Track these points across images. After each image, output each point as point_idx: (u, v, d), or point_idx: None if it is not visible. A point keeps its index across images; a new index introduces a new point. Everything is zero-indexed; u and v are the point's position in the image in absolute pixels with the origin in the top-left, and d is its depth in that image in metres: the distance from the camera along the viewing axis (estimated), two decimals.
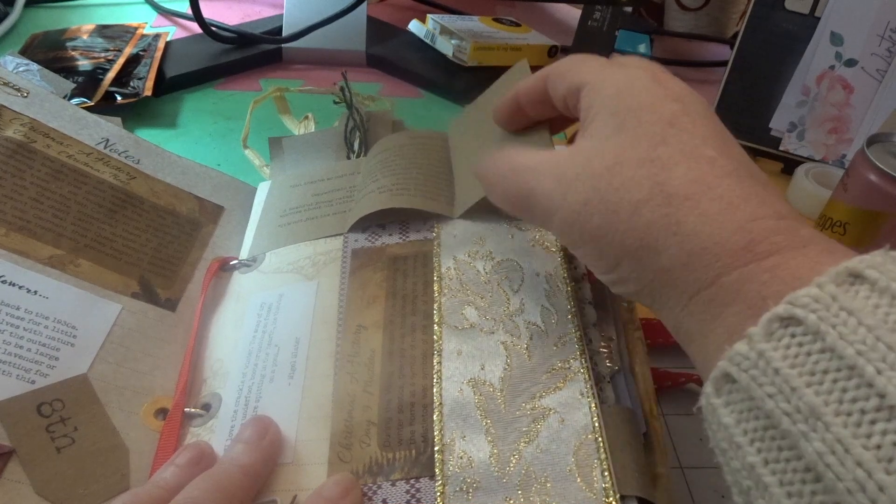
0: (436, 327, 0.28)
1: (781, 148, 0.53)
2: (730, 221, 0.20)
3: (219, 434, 0.28)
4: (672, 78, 0.26)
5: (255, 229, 0.37)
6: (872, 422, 0.15)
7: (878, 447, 0.15)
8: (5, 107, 0.34)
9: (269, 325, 0.31)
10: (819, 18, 0.49)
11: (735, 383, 0.18)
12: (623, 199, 0.22)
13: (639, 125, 0.23)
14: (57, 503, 0.25)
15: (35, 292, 0.29)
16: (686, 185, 0.21)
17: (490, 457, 0.24)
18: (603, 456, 0.24)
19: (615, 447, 0.24)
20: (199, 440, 0.28)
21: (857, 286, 0.17)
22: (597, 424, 0.24)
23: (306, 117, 0.47)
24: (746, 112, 0.54)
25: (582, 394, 0.25)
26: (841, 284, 0.17)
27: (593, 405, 0.25)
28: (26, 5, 0.66)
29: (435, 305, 0.29)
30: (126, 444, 0.27)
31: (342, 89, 0.44)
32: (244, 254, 0.36)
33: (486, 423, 0.25)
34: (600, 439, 0.24)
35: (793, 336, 0.17)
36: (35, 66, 0.51)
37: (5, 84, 0.35)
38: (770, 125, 0.53)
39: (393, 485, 0.24)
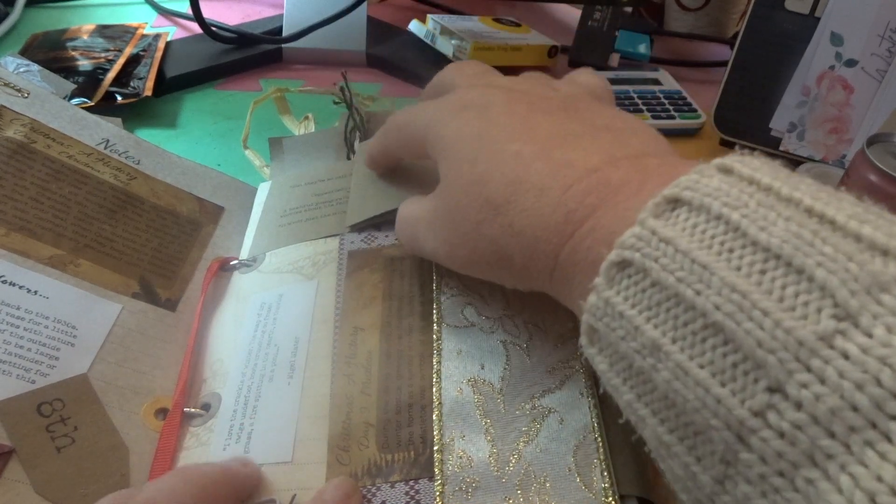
0: (435, 326, 0.28)
1: (781, 148, 0.53)
2: (545, 205, 0.22)
3: (218, 434, 0.28)
4: (476, 76, 0.30)
5: (255, 229, 0.37)
6: (703, 340, 0.16)
7: (711, 363, 0.16)
8: (6, 107, 0.34)
9: (269, 324, 0.31)
10: (819, 19, 0.49)
11: (597, 332, 0.19)
12: (468, 226, 0.24)
13: (454, 153, 0.25)
14: (57, 503, 0.25)
15: (35, 292, 0.29)
16: (503, 189, 0.23)
17: (489, 456, 0.24)
18: (602, 455, 0.24)
19: (615, 447, 0.24)
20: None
21: (678, 210, 0.18)
22: (596, 424, 0.24)
23: (306, 117, 0.47)
24: (746, 112, 0.54)
25: (581, 393, 0.25)
26: (660, 215, 0.18)
27: (593, 404, 0.25)
28: (26, 5, 0.66)
29: (434, 305, 0.29)
30: (126, 443, 0.27)
31: (342, 89, 0.43)
32: (244, 254, 0.36)
33: (486, 423, 0.25)
34: (600, 439, 0.24)
35: (629, 277, 0.18)
36: (35, 67, 0.51)
37: (6, 84, 0.35)
38: (770, 125, 0.53)
39: (392, 486, 0.24)
